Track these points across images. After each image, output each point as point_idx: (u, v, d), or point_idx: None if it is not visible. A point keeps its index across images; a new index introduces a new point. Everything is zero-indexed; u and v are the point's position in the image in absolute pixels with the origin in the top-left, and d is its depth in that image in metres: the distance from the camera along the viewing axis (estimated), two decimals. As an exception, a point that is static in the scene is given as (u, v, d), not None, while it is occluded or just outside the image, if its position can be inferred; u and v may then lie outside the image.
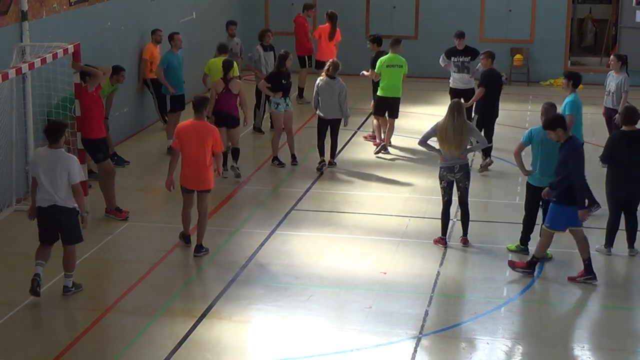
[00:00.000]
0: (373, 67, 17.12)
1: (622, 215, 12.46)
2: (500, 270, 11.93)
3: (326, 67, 15.90)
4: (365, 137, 17.95)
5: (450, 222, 13.01)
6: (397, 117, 17.10)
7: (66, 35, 14.64)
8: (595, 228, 13.03)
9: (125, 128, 17.66)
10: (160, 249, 12.54)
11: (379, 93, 16.95)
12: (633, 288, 11.73)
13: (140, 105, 18.30)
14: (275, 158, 16.26)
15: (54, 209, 10.78)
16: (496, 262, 12.22)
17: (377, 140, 17.25)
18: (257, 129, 18.26)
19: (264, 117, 18.20)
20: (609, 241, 12.49)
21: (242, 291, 11.30)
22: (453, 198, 12.75)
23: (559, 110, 12.77)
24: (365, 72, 17.56)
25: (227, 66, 15.40)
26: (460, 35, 17.29)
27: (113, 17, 17.04)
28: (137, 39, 17.99)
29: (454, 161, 12.54)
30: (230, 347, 10.07)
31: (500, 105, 16.23)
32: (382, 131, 17.17)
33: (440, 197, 12.77)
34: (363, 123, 18.63)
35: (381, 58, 16.89)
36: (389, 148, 17.11)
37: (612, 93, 15.87)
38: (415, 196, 14.79)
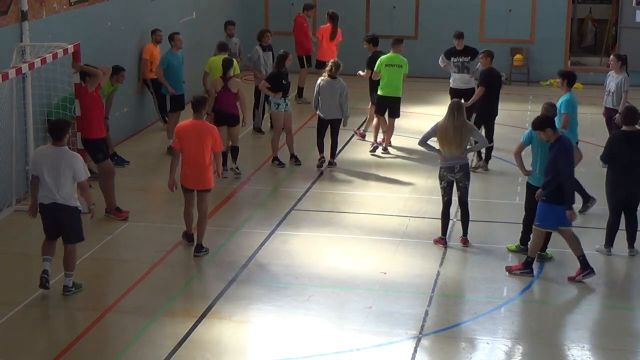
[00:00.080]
0: (369, 67, 17.13)
1: (623, 215, 12.47)
2: (500, 270, 11.93)
3: (328, 67, 15.89)
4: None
5: (450, 222, 13.01)
6: (398, 116, 17.09)
7: (66, 35, 14.64)
8: (595, 228, 13.05)
9: (125, 128, 17.66)
10: (160, 249, 12.54)
11: (379, 92, 16.95)
12: (633, 288, 11.73)
13: (140, 105, 18.29)
14: (275, 158, 16.26)
15: (54, 206, 10.83)
16: (496, 262, 12.21)
17: (371, 138, 17.28)
18: (257, 129, 18.26)
19: (264, 117, 18.20)
20: (609, 241, 12.48)
21: (242, 291, 11.30)
22: (453, 198, 12.75)
23: (557, 109, 12.80)
24: (361, 72, 17.56)
25: (226, 65, 15.37)
26: (460, 36, 17.27)
27: (113, 17, 17.04)
28: (137, 39, 17.98)
29: (454, 161, 12.54)
30: (230, 347, 10.07)
31: (500, 105, 16.22)
32: (380, 131, 17.17)
33: (440, 197, 12.77)
34: (363, 123, 18.62)
35: (381, 57, 16.88)
36: (389, 148, 17.12)
37: (612, 93, 15.87)
38: (415, 196, 14.78)
